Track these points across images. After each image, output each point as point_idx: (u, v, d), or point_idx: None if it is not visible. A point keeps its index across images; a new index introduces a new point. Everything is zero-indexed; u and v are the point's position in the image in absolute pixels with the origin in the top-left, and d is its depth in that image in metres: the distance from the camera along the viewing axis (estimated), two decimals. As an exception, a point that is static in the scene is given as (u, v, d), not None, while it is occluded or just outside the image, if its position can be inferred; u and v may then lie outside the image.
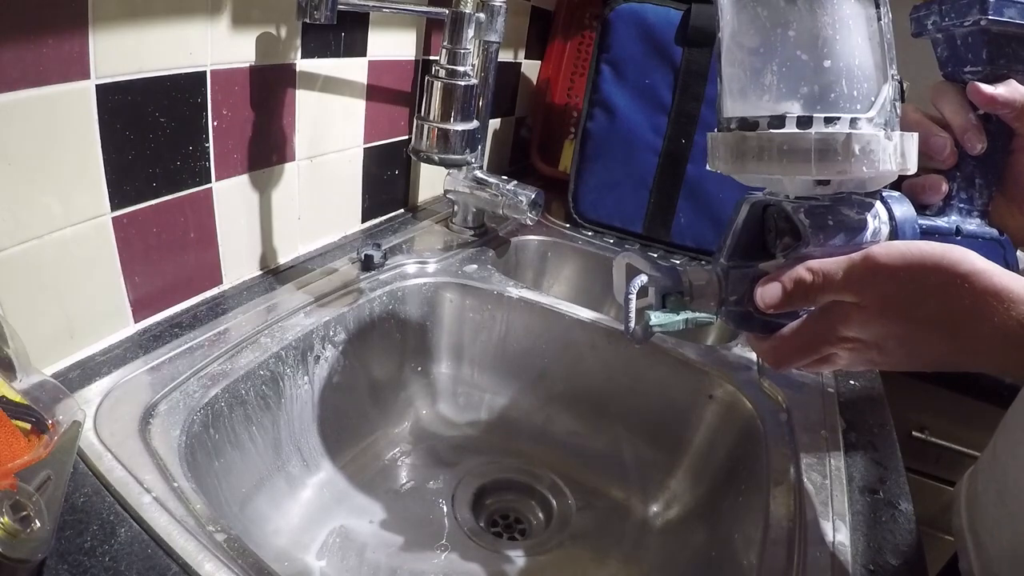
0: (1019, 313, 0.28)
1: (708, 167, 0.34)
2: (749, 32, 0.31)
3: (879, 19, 0.30)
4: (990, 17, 0.33)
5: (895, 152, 0.30)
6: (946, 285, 0.28)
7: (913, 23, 0.38)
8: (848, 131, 0.29)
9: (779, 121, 0.30)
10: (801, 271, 0.31)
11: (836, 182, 0.31)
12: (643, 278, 0.35)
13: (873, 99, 0.30)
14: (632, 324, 0.35)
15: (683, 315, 0.35)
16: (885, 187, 0.33)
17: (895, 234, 0.32)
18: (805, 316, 0.34)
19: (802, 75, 0.30)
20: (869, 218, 0.32)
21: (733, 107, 0.32)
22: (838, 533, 0.42)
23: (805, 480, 0.46)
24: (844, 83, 0.29)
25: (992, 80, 0.34)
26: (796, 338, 0.34)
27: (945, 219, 0.36)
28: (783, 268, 0.32)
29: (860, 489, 0.47)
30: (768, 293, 0.32)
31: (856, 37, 0.30)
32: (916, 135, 0.31)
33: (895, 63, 0.30)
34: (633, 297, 0.34)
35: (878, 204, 0.33)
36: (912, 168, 0.31)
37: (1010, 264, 0.35)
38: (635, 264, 0.36)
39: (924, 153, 0.35)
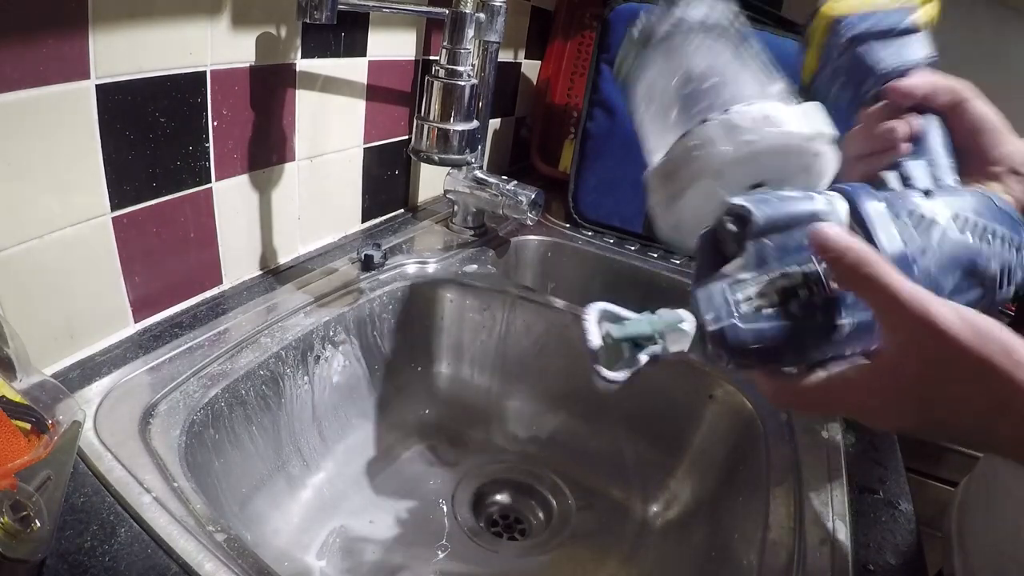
0: None
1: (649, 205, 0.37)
2: (649, 101, 0.36)
3: (743, 47, 0.34)
4: (852, 35, 0.36)
5: (800, 114, 0.31)
6: (984, 373, 0.25)
7: (817, 94, 0.39)
8: (722, 117, 0.31)
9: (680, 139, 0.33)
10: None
11: (773, 182, 0.32)
12: (606, 327, 0.32)
13: (756, 98, 0.32)
14: (595, 342, 0.31)
15: (645, 324, 0.31)
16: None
17: (853, 201, 0.30)
18: (823, 378, 0.30)
19: (693, 103, 0.33)
20: (812, 194, 0.30)
21: (658, 156, 0.35)
22: (838, 533, 0.42)
23: (805, 480, 0.46)
24: (726, 93, 0.33)
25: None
26: (808, 394, 0.30)
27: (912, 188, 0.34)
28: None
29: (860, 489, 0.47)
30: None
31: (725, 60, 0.34)
32: (818, 103, 0.32)
33: (777, 71, 0.34)
34: (590, 320, 0.32)
35: (821, 190, 0.32)
36: (826, 130, 0.32)
37: (1002, 208, 0.33)
38: (607, 312, 0.34)
39: (877, 150, 0.36)
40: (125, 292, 0.48)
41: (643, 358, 0.31)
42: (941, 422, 0.27)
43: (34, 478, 0.31)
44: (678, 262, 0.83)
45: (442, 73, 0.55)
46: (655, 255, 0.84)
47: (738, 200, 0.29)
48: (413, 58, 0.73)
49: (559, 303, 0.66)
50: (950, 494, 0.82)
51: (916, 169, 0.35)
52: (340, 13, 0.52)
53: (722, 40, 0.35)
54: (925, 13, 0.37)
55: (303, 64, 0.58)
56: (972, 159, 0.36)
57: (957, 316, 0.25)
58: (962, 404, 0.26)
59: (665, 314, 0.32)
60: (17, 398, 0.33)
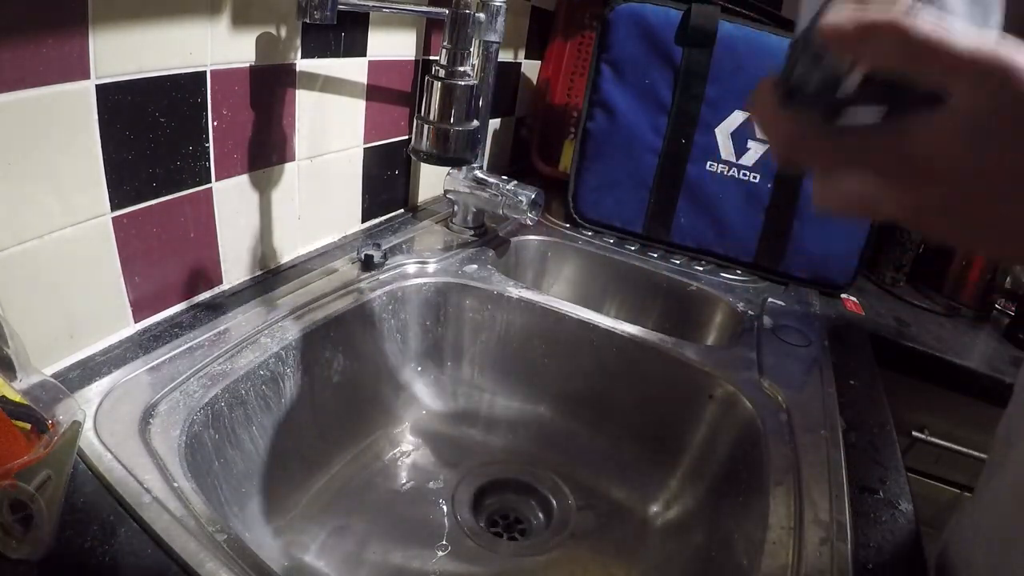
0: None
1: None
2: None
3: None
4: None
5: None
6: None
7: None
8: None
9: None
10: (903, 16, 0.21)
11: None
12: None
13: None
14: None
15: None
16: None
17: None
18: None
19: None
20: None
21: None
22: (838, 533, 0.42)
23: (805, 480, 0.46)
24: None
25: None
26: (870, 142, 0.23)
27: None
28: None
29: (860, 489, 0.47)
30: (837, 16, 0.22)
31: None
32: None
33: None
34: None
35: None
36: None
37: None
38: None
39: None
40: (125, 292, 0.48)
41: None
42: None
43: (34, 478, 0.31)
44: (678, 262, 0.83)
45: (442, 73, 0.55)
46: (655, 255, 0.84)
47: None
48: (413, 58, 0.73)
49: (559, 303, 0.66)
50: (950, 494, 0.82)
51: None
52: (340, 13, 0.52)
53: None
54: None
55: (303, 64, 0.58)
56: None
57: None
58: None
59: None
60: (17, 398, 0.33)
